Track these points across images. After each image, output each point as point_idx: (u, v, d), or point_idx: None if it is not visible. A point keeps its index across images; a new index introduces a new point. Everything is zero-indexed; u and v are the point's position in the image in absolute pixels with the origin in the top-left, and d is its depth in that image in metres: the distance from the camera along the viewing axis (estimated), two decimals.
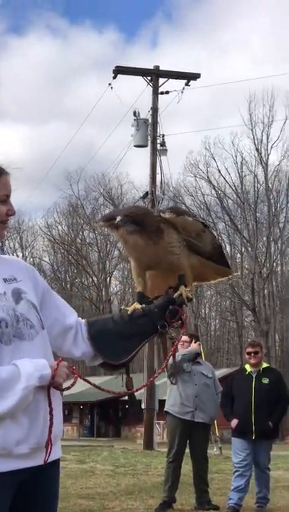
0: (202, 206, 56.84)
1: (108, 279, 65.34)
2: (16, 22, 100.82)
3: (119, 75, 32.73)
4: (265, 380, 9.99)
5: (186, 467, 10.88)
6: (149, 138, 32.50)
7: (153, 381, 26.12)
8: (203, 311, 60.91)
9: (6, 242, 61.69)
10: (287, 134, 75.42)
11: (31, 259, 62.43)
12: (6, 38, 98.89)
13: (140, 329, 3.38)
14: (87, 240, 65.76)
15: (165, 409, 10.35)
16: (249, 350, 10.18)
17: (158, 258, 3.49)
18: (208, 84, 77.81)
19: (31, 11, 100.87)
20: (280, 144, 61.94)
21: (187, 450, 10.28)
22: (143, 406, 28.66)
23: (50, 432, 3.01)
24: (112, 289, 66.35)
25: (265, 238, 54.48)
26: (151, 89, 32.55)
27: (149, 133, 32.49)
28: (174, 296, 3.46)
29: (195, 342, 10.32)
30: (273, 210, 53.35)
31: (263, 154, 53.62)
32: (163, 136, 32.70)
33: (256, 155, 53.90)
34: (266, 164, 53.77)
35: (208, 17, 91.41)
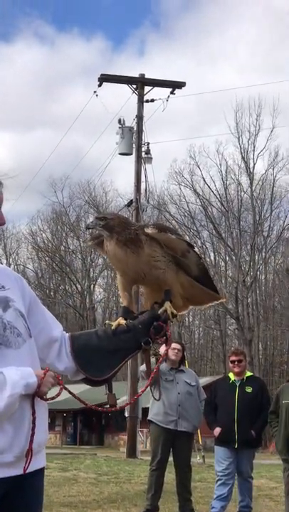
0: (186, 214, 56.93)
1: (92, 287, 65.28)
2: (4, 29, 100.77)
3: (104, 83, 32.79)
4: (249, 389, 10.00)
5: (170, 475, 10.87)
6: (134, 146, 32.54)
7: (136, 394, 26.08)
8: (186, 319, 60.92)
9: None
10: (274, 144, 75.54)
11: (15, 267, 62.29)
12: None
13: (124, 345, 3.36)
14: (71, 248, 65.69)
15: (148, 418, 10.33)
16: (233, 358, 10.19)
17: (142, 272, 3.46)
18: (194, 93, 78.07)
19: (19, 19, 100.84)
20: (266, 153, 61.95)
21: (171, 458, 10.27)
22: (126, 414, 28.63)
23: (31, 441, 3.00)
24: (96, 297, 66.32)
25: (249, 247, 54.58)
26: (136, 97, 32.61)
27: (134, 141, 32.53)
28: (159, 312, 3.43)
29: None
30: (257, 219, 53.46)
31: (249, 163, 53.78)
32: (148, 144, 32.77)
33: (242, 164, 54.06)
34: (252, 173, 53.93)
35: (196, 26, 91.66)
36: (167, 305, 3.45)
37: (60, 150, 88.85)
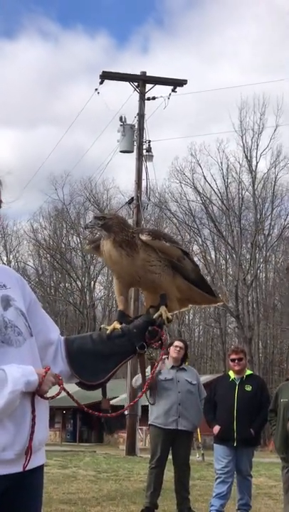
0: (187, 212, 56.92)
1: (92, 284, 65.30)
2: (8, 26, 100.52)
3: (106, 81, 32.80)
4: (248, 387, 10.01)
5: (169, 473, 10.88)
6: (135, 144, 32.54)
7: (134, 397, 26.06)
8: (186, 317, 60.95)
9: None
10: (277, 142, 75.44)
11: (16, 264, 62.27)
12: None
13: (119, 349, 3.36)
14: (72, 245, 65.67)
15: (149, 422, 10.32)
16: (233, 356, 10.19)
17: (137, 275, 3.46)
18: (196, 91, 78.03)
19: (23, 15, 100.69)
20: (269, 152, 61.92)
21: (170, 457, 10.28)
22: (126, 412, 28.65)
23: (31, 438, 3.01)
24: (96, 294, 66.33)
25: (249, 245, 54.58)
26: (138, 95, 32.62)
27: (135, 138, 32.53)
28: (154, 316, 3.42)
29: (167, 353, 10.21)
30: (258, 217, 53.45)
31: (252, 162, 53.78)
32: (149, 142, 32.76)
33: (244, 162, 54.06)
34: (255, 172, 53.93)
35: (200, 24, 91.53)
36: (162, 309, 3.44)
37: (63, 148, 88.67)
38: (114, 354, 3.35)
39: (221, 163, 55.67)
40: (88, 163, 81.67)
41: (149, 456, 10.42)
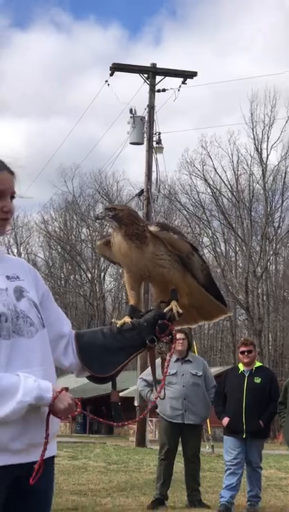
0: (197, 204, 56.87)
1: (102, 276, 65.34)
2: (21, 17, 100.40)
3: (117, 72, 32.77)
4: (258, 380, 10.03)
5: (179, 465, 10.92)
6: (145, 135, 32.51)
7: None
8: None
9: (1, 237, 61.54)
10: (288, 135, 75.23)
11: (26, 255, 62.33)
12: (9, 33, 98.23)
13: (129, 343, 3.37)
14: (82, 237, 65.72)
15: (157, 411, 10.37)
16: (242, 349, 10.21)
17: (146, 269, 3.47)
18: (208, 83, 77.93)
19: (36, 6, 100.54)
20: (280, 144, 61.74)
21: (180, 448, 10.31)
22: (136, 403, 28.67)
23: (47, 428, 3.02)
24: (106, 286, 66.34)
25: (259, 237, 54.51)
26: (148, 86, 32.58)
27: (145, 130, 32.49)
28: (165, 310, 3.43)
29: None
30: (268, 210, 53.36)
31: (262, 154, 53.67)
32: (159, 133, 32.72)
33: (255, 154, 53.94)
34: (265, 164, 53.80)
35: (213, 15, 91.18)
36: (173, 304, 3.45)
37: (76, 139, 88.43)
38: (124, 348, 3.36)
39: (232, 155, 55.66)
40: (100, 155, 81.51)
41: (158, 447, 10.46)
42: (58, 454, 17.87)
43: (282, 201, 54.86)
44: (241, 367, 10.21)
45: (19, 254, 59.59)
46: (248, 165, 54.69)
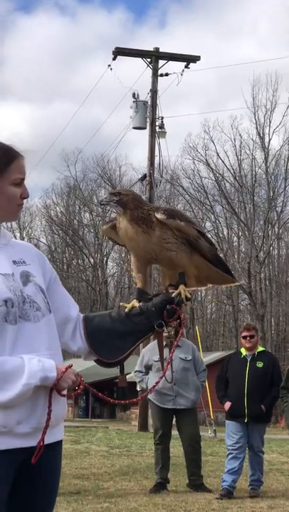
0: (200, 189, 56.79)
1: (105, 261, 65.32)
2: (25, 0, 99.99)
3: (121, 57, 32.67)
4: (260, 364, 10.04)
5: (180, 448, 10.95)
6: (148, 120, 32.45)
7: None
8: (199, 294, 60.93)
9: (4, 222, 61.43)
10: None
11: (28, 240, 62.31)
12: (14, 17, 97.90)
13: (137, 327, 3.37)
14: (84, 222, 65.67)
15: (148, 397, 10.40)
16: (245, 333, 10.22)
17: (153, 252, 3.46)
18: (211, 67, 77.68)
19: None
20: (282, 129, 61.65)
21: (177, 432, 10.37)
22: (138, 388, 28.71)
23: (48, 413, 3.03)
24: (108, 271, 66.34)
25: (262, 222, 54.44)
26: (151, 71, 32.49)
27: (148, 115, 32.43)
28: (173, 295, 3.43)
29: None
30: (271, 194, 53.28)
31: (264, 139, 53.56)
32: (162, 118, 32.65)
33: (257, 139, 53.84)
34: (267, 149, 53.70)
35: None
36: (181, 288, 3.44)
37: (81, 124, 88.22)
38: (132, 332, 3.37)
39: (235, 139, 55.54)
40: (104, 139, 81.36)
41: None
42: None
43: (285, 186, 54.79)
44: (243, 351, 10.22)
45: (22, 239, 59.37)
46: (250, 150, 54.64)
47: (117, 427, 31.01)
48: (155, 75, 32.42)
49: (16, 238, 3.47)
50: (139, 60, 32.99)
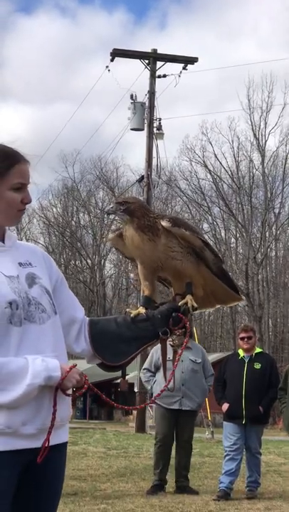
0: (197, 190, 56.83)
1: (102, 262, 65.32)
2: (26, 1, 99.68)
3: (120, 58, 32.71)
4: (257, 365, 10.04)
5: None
6: (145, 121, 32.45)
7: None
8: None
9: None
10: (286, 121, 75.06)
11: (26, 241, 62.12)
12: (14, 18, 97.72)
13: (142, 333, 3.38)
14: (82, 223, 65.66)
15: (153, 399, 10.38)
16: (242, 335, 10.22)
17: (159, 261, 3.46)
18: (210, 68, 77.73)
19: None
20: (277, 130, 61.62)
21: None
22: (136, 389, 28.73)
23: (53, 414, 3.04)
24: (106, 272, 66.33)
25: (260, 223, 54.48)
26: (148, 72, 32.50)
27: (145, 116, 32.43)
28: (179, 304, 3.43)
29: None
30: (269, 196, 53.31)
31: (260, 140, 53.60)
32: (160, 119, 32.66)
33: (254, 140, 53.89)
34: (263, 150, 53.73)
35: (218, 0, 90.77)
36: (188, 297, 3.45)
37: (81, 125, 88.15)
38: (136, 338, 3.38)
39: (232, 141, 55.56)
40: (102, 140, 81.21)
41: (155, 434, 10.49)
42: None
43: (283, 187, 54.85)
44: (241, 353, 10.22)
45: (19, 240, 59.43)
46: (247, 151, 54.66)
47: (114, 429, 30.97)
48: (153, 77, 32.43)
49: (30, 243, 3.48)
50: (137, 62, 33.04)
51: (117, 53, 32.42)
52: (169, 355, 3.71)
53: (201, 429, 15.47)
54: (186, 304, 3.44)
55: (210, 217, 56.65)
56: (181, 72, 32.38)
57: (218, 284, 3.68)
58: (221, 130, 61.54)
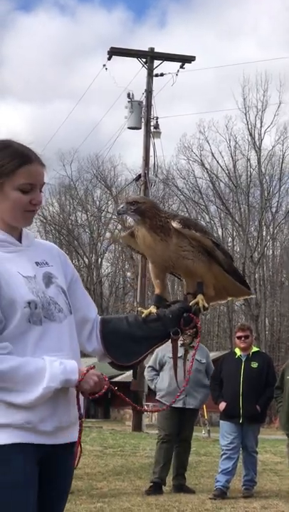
0: (194, 189, 56.80)
1: (99, 261, 65.30)
2: None
3: (118, 57, 32.69)
4: (254, 364, 10.05)
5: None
6: (143, 120, 32.44)
7: (142, 364, 26.09)
8: None
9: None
10: (281, 119, 75.07)
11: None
12: (14, 16, 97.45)
13: (152, 333, 3.39)
14: (79, 221, 65.61)
15: (157, 398, 10.38)
16: (239, 334, 10.23)
17: (170, 260, 3.47)
18: (208, 67, 77.74)
19: None
20: (273, 128, 61.66)
21: None
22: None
23: (78, 408, 3.10)
24: (103, 271, 66.31)
25: (257, 222, 54.48)
26: (146, 71, 32.49)
27: (143, 115, 32.43)
28: (191, 303, 3.44)
29: None
30: (266, 195, 53.32)
31: (256, 139, 53.60)
32: (157, 118, 32.66)
33: (249, 139, 53.89)
34: (259, 149, 53.74)
35: None
36: (200, 297, 3.45)
37: (80, 124, 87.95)
38: (147, 337, 3.39)
39: (229, 140, 55.56)
40: (100, 139, 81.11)
41: (156, 432, 10.49)
42: None
43: (280, 186, 54.87)
44: (238, 352, 10.22)
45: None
46: (244, 150, 54.66)
47: (111, 427, 30.97)
48: (150, 75, 32.44)
49: (47, 241, 3.49)
50: (134, 60, 33.04)
51: (114, 52, 32.42)
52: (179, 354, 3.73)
53: (197, 427, 15.44)
54: (197, 304, 3.44)
55: (207, 216, 56.62)
56: (178, 70, 32.42)
57: (229, 280, 3.69)
58: (218, 129, 61.84)
